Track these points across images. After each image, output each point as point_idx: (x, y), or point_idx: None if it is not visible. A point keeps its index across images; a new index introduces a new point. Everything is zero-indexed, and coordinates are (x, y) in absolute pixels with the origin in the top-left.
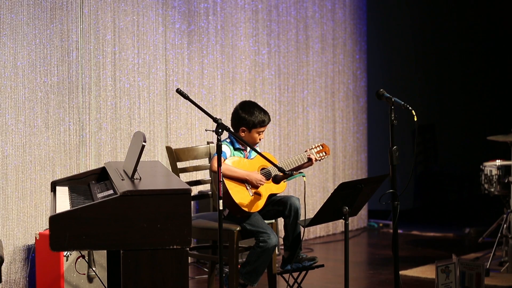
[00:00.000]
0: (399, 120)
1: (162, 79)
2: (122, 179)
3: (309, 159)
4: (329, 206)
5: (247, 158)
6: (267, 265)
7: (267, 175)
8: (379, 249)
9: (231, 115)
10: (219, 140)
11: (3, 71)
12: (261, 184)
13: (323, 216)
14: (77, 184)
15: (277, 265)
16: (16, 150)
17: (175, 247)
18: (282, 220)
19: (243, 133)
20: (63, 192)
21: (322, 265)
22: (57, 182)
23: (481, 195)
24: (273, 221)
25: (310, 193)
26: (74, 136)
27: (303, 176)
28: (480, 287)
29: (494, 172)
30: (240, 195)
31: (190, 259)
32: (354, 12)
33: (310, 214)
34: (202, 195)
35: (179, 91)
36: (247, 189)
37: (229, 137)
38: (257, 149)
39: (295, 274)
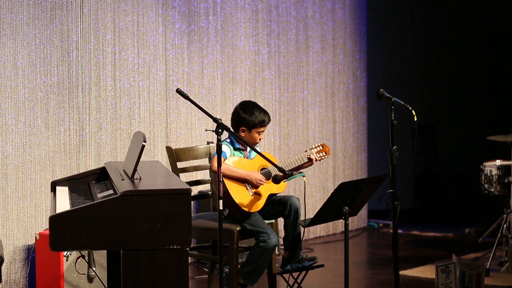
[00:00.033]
0: (399, 120)
1: (162, 79)
2: (122, 179)
3: (309, 159)
4: (329, 206)
5: (247, 158)
6: (267, 265)
7: (267, 175)
8: (379, 249)
9: (231, 115)
10: (219, 140)
11: (3, 71)
12: (261, 184)
13: (323, 216)
14: (77, 184)
15: (277, 265)
16: (16, 150)
17: (175, 247)
18: (282, 220)
19: (243, 133)
20: (63, 192)
21: (322, 265)
22: (57, 182)
23: (481, 195)
24: (273, 221)
25: (310, 193)
26: (74, 136)
27: (303, 176)
28: (480, 287)
29: (494, 172)
30: (240, 195)
31: (190, 259)
32: (354, 12)
33: (310, 214)
34: (202, 195)
35: (179, 91)
36: (247, 189)
37: (229, 137)
38: (257, 149)
39: (295, 274)
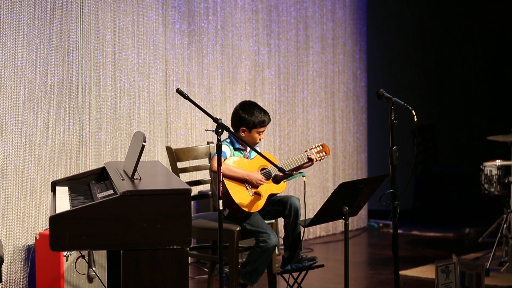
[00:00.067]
0: (399, 120)
1: (162, 79)
2: (122, 179)
3: (309, 159)
4: (329, 206)
5: (247, 158)
6: (267, 265)
7: (267, 175)
8: (379, 249)
9: (231, 115)
10: (219, 140)
11: (3, 71)
12: (261, 184)
13: (323, 216)
14: (77, 184)
15: (277, 265)
16: (16, 150)
17: (175, 247)
18: (282, 220)
19: (243, 133)
20: (63, 192)
21: (322, 265)
22: (57, 182)
23: (481, 195)
24: (273, 221)
25: (310, 193)
26: (74, 136)
27: (303, 176)
28: (480, 287)
29: (494, 172)
30: (240, 195)
31: (190, 259)
32: (354, 12)
33: (310, 214)
34: (202, 195)
35: (179, 91)
36: (247, 189)
37: (229, 137)
38: (257, 149)
39: (295, 274)
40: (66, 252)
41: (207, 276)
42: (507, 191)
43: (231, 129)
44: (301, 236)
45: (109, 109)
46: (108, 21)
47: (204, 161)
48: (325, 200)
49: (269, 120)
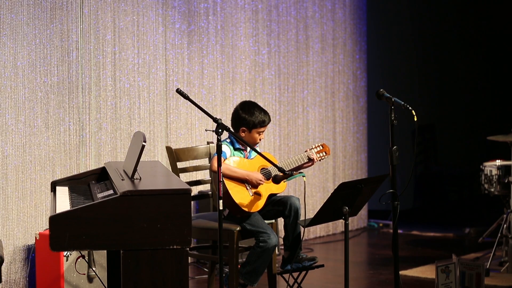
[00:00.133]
0: (399, 120)
1: (162, 79)
2: (122, 179)
3: (309, 159)
4: (329, 206)
5: (247, 158)
6: (267, 265)
7: (267, 175)
8: (379, 249)
9: (231, 115)
10: (219, 140)
11: (3, 71)
12: (261, 184)
13: (323, 216)
14: (77, 184)
15: (277, 265)
16: (16, 150)
17: (175, 247)
18: (282, 220)
19: (243, 133)
20: (63, 192)
21: (322, 265)
22: (57, 182)
23: (481, 195)
24: (273, 221)
25: (310, 193)
26: (74, 136)
27: (303, 176)
28: (480, 287)
29: (494, 172)
30: (240, 195)
31: (190, 259)
32: (354, 12)
33: (310, 214)
34: (202, 195)
35: (179, 91)
36: (247, 189)
37: (229, 137)
38: (257, 149)
39: (295, 274)
40: (66, 252)
41: (207, 276)
42: (507, 191)
43: (231, 129)
44: (301, 236)
45: (109, 109)
46: (108, 21)
47: (204, 161)
48: (325, 200)
49: (269, 120)
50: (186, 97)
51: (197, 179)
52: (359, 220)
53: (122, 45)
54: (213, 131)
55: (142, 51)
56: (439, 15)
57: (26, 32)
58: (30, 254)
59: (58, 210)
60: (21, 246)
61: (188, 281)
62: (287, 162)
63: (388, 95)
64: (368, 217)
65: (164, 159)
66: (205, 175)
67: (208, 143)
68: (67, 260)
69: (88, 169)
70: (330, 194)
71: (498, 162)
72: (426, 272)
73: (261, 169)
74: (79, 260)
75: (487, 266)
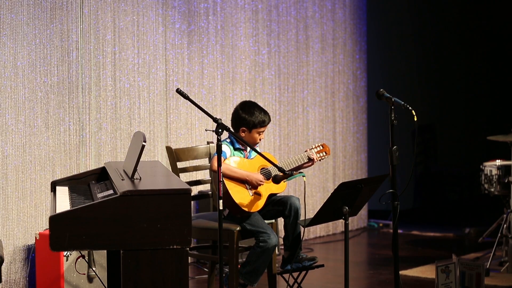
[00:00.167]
0: (399, 120)
1: (162, 79)
2: (122, 179)
3: (310, 159)
4: (329, 206)
5: (247, 158)
6: (267, 265)
7: (267, 175)
8: (379, 249)
9: (231, 115)
10: (219, 140)
11: (3, 71)
12: (261, 185)
13: (323, 216)
14: (77, 184)
15: (277, 265)
16: (16, 150)
17: (175, 247)
18: (282, 220)
19: (243, 133)
20: (63, 192)
21: (322, 265)
22: (57, 182)
23: (481, 195)
24: (273, 221)
25: (310, 193)
26: (74, 136)
27: (303, 176)
28: (480, 287)
29: (494, 172)
30: (240, 195)
31: (190, 259)
32: (354, 12)
33: (310, 214)
34: (202, 195)
35: (179, 91)
36: (247, 189)
37: (229, 137)
38: (257, 149)
39: (295, 274)
40: (66, 252)
41: (207, 276)
42: (507, 191)
43: (231, 129)
44: (301, 236)
45: (109, 109)
46: (108, 21)
47: (204, 161)
48: (325, 200)
49: (269, 120)
50: (186, 97)
51: (197, 179)
52: (359, 220)
53: (122, 45)
54: (213, 131)
55: (142, 51)
56: (439, 15)
57: (26, 32)
58: (30, 254)
59: (58, 210)
60: (21, 246)
61: (188, 281)
62: (287, 162)
63: (388, 95)
64: (368, 217)
65: (164, 159)
66: (205, 175)
67: (208, 143)
68: (67, 260)
69: (88, 169)
70: (330, 194)
71: (498, 162)
72: (426, 272)
73: (261, 169)
74: (79, 260)
75: (487, 266)
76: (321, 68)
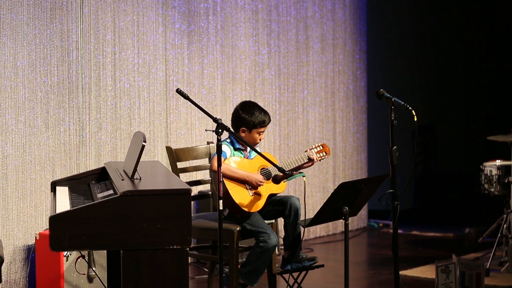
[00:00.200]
0: (399, 120)
1: (162, 79)
2: (122, 179)
3: (310, 159)
4: (329, 206)
5: (247, 158)
6: (267, 265)
7: (267, 175)
8: (379, 249)
9: (231, 116)
10: (219, 140)
11: (3, 71)
12: (260, 185)
13: (323, 216)
14: (77, 184)
15: (277, 265)
16: (16, 150)
17: (175, 247)
18: (282, 220)
19: (244, 133)
20: (63, 192)
21: (322, 265)
22: (57, 182)
23: (481, 195)
24: (273, 221)
25: (310, 193)
26: (74, 136)
27: (303, 176)
28: (480, 287)
29: (494, 172)
30: (240, 195)
31: (190, 259)
32: (354, 12)
33: (310, 214)
34: (202, 195)
35: (179, 91)
36: (247, 189)
37: (229, 137)
38: (257, 149)
39: (295, 274)
40: (66, 252)
41: (207, 276)
42: (507, 191)
43: (231, 129)
44: (301, 236)
45: (109, 109)
46: (108, 21)
47: (204, 161)
48: (325, 200)
49: (269, 120)
50: (186, 97)
51: (197, 179)
52: (359, 220)
53: (122, 45)
54: (213, 131)
55: (142, 51)
56: (439, 15)
57: (26, 32)
58: (30, 254)
59: (58, 210)
60: (21, 246)
61: (188, 281)
62: (287, 162)
63: (388, 95)
64: (368, 217)
65: (164, 159)
66: (205, 175)
67: (208, 143)
68: (67, 260)
69: (88, 169)
70: (330, 194)
71: (498, 162)
72: (426, 272)
73: (261, 169)
74: (79, 260)
75: (487, 266)
76: (321, 68)
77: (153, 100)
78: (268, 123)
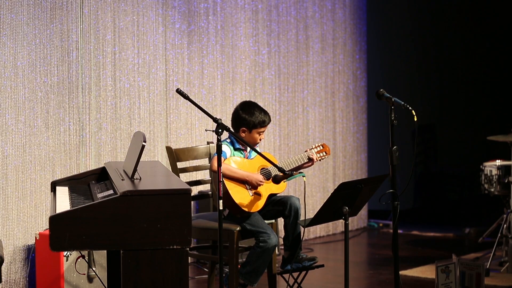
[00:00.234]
0: (399, 120)
1: (162, 79)
2: (122, 179)
3: (310, 159)
4: (329, 206)
5: (247, 158)
6: (267, 265)
7: (267, 175)
8: (379, 249)
9: (231, 116)
10: (219, 140)
11: (3, 71)
12: (260, 185)
13: (323, 216)
14: (77, 184)
15: (277, 265)
16: (16, 150)
17: (175, 247)
18: (282, 220)
19: (244, 134)
20: (63, 192)
21: (322, 265)
22: (57, 182)
23: (481, 195)
24: (273, 221)
25: (310, 193)
26: (74, 136)
27: (303, 176)
28: (480, 287)
29: (494, 172)
30: (240, 195)
31: (190, 259)
32: (354, 12)
33: (310, 214)
34: (202, 195)
35: (179, 91)
36: (247, 189)
37: (229, 137)
38: (257, 149)
39: (295, 274)
40: (66, 252)
41: (207, 276)
42: (507, 191)
43: (231, 129)
44: (301, 236)
45: (109, 109)
46: (108, 21)
47: (204, 161)
48: (325, 200)
49: (269, 120)
50: (186, 97)
51: (197, 179)
52: (359, 220)
53: (122, 45)
54: (213, 131)
55: (142, 51)
56: (439, 15)
57: (26, 32)
58: (30, 254)
59: (58, 210)
60: (21, 246)
61: (188, 281)
62: (287, 162)
63: (388, 95)
64: (368, 217)
65: (164, 159)
66: (205, 175)
67: (208, 143)
68: (67, 260)
69: (88, 169)
70: (330, 194)
71: (498, 162)
72: (426, 272)
73: (261, 169)
74: (79, 260)
75: (487, 266)
76: (321, 68)
77: (153, 100)
78: (268, 123)
